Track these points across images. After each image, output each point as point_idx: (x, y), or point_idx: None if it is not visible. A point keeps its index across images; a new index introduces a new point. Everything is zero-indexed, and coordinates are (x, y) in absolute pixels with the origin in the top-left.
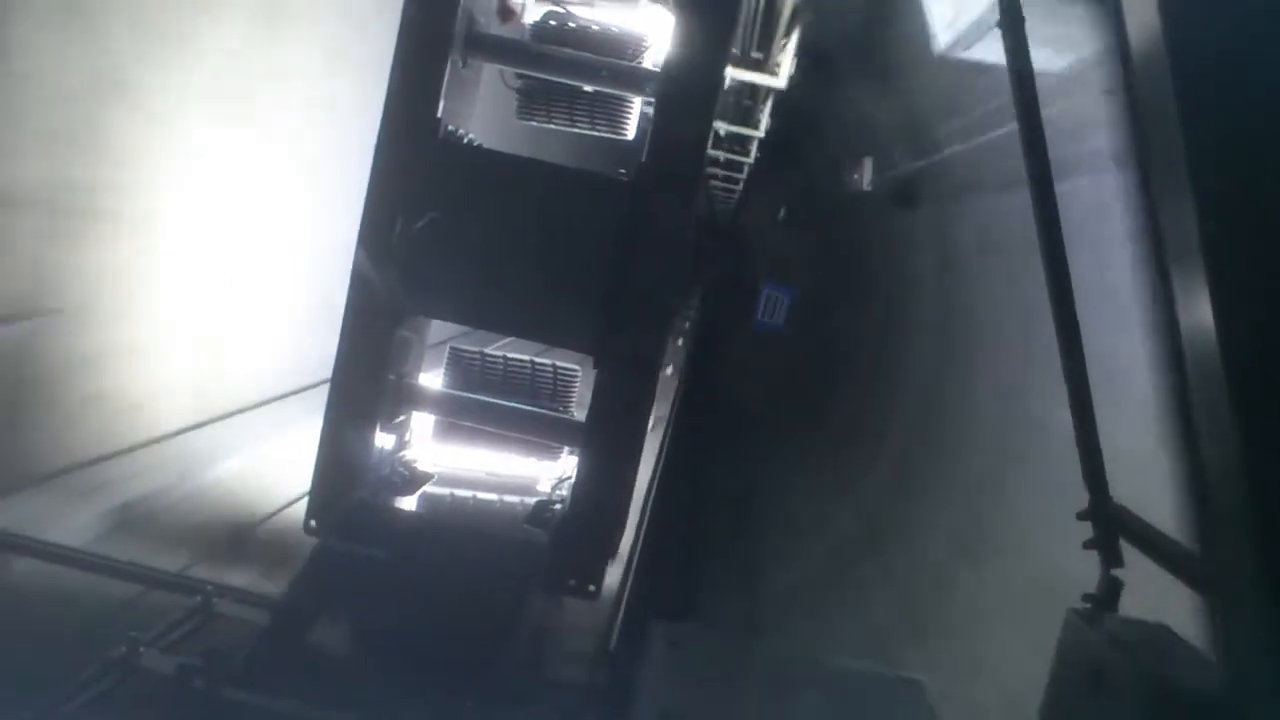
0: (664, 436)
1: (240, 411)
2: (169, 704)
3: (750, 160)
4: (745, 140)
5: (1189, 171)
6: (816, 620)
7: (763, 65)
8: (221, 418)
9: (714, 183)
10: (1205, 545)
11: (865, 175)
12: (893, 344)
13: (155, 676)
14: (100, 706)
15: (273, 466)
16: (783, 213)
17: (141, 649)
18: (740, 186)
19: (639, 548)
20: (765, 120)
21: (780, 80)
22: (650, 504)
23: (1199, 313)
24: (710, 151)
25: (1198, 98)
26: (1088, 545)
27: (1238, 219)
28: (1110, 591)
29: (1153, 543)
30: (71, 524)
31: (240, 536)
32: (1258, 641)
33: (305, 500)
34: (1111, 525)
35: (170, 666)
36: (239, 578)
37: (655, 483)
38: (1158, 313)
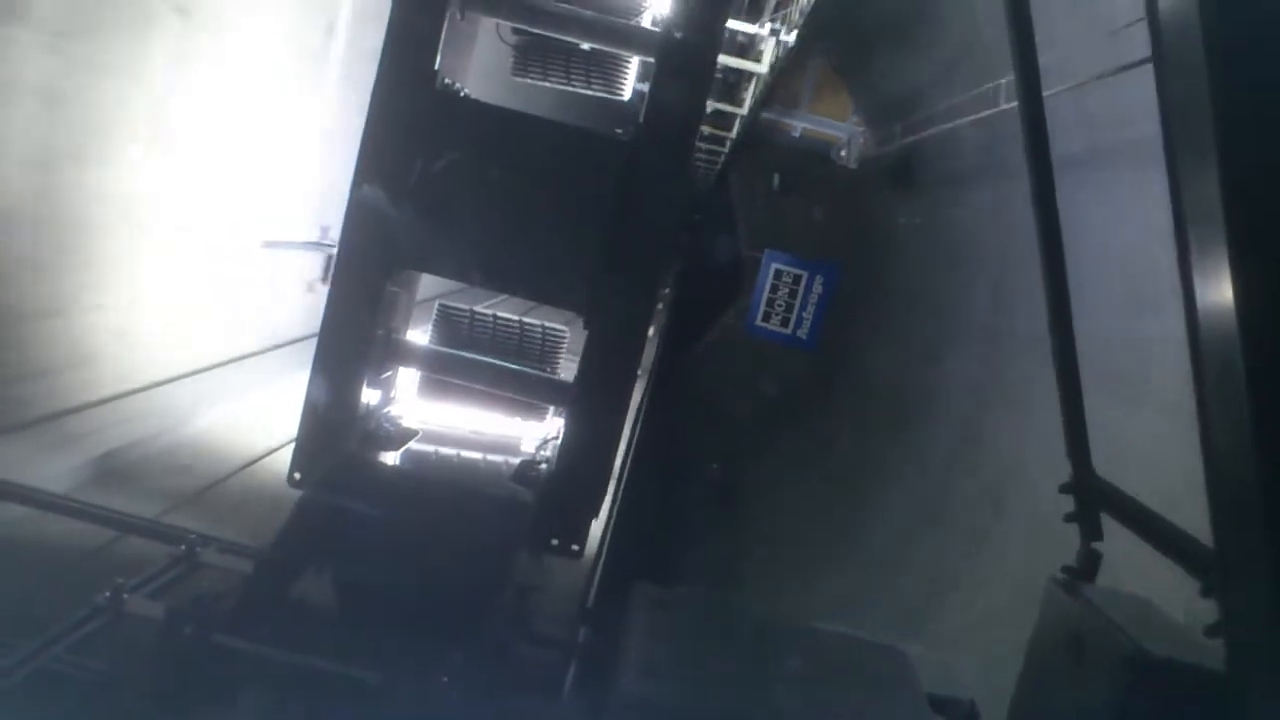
0: (640, 402)
1: (224, 364)
2: (157, 649)
3: (733, 135)
4: (729, 116)
5: (1216, 138)
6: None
7: (748, 50)
8: (206, 369)
9: (697, 150)
10: (1215, 524)
11: (850, 154)
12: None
13: (141, 621)
14: (87, 649)
15: (254, 417)
16: (776, 181)
17: (126, 595)
18: (722, 158)
19: (616, 507)
20: (749, 99)
21: (762, 66)
22: (628, 464)
23: (1218, 291)
24: None
25: (1228, 60)
26: (1069, 518)
27: (1266, 192)
28: (1089, 563)
29: (1137, 517)
30: (52, 471)
31: (221, 485)
32: (1264, 621)
33: (286, 450)
34: (1093, 498)
35: (156, 612)
36: (219, 526)
37: (633, 444)
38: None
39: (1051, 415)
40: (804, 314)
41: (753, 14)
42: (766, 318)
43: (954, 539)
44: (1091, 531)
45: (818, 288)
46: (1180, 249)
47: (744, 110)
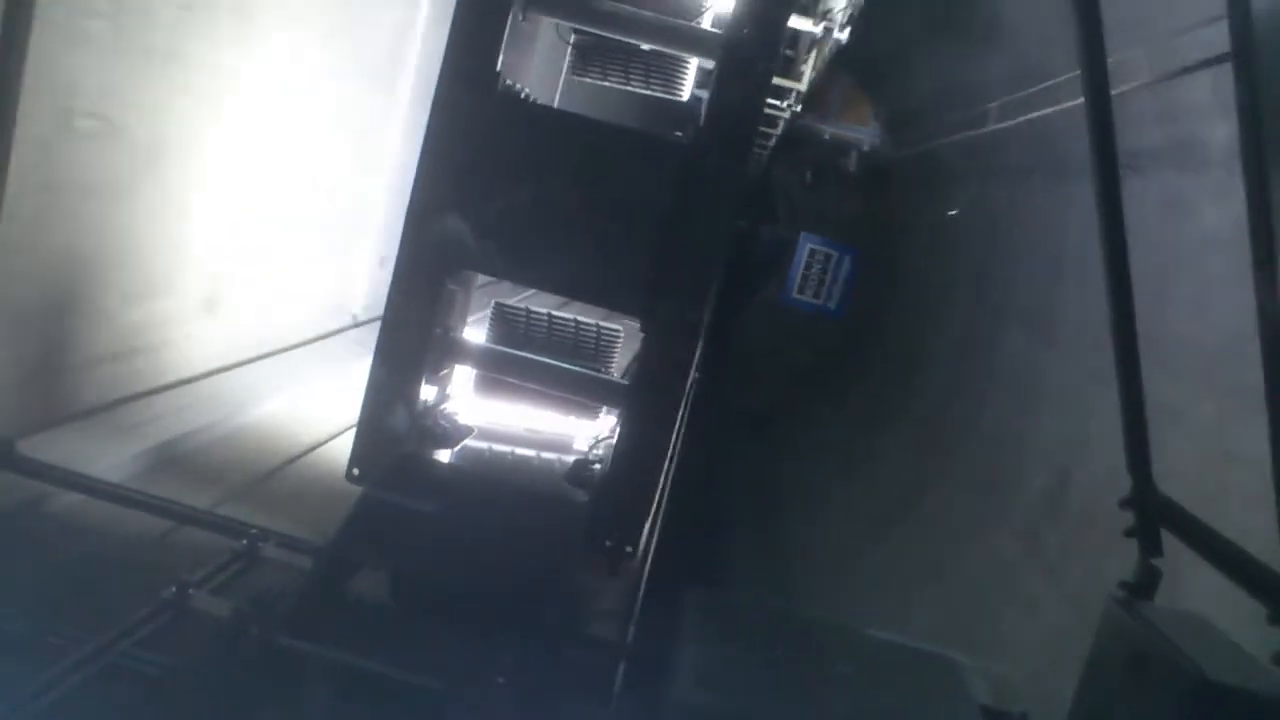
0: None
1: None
2: (222, 646)
3: (787, 114)
4: (782, 92)
5: None
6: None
7: (810, 10)
8: (262, 357)
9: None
10: None
11: (852, 160)
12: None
13: (206, 617)
14: (155, 645)
15: (308, 407)
16: (809, 176)
17: (191, 590)
18: (772, 143)
19: (663, 508)
20: (809, 72)
21: (825, 28)
22: (673, 466)
23: None
24: None
25: None
26: (1128, 533)
27: None
28: (1148, 580)
29: (1200, 537)
30: (112, 460)
31: (276, 475)
32: None
33: (334, 440)
34: (1154, 514)
35: (221, 609)
36: (276, 517)
37: (677, 446)
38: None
39: (1007, 363)
40: (833, 288)
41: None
42: (801, 290)
43: (929, 451)
44: (1151, 547)
45: (845, 265)
46: (1258, 253)
47: (802, 84)
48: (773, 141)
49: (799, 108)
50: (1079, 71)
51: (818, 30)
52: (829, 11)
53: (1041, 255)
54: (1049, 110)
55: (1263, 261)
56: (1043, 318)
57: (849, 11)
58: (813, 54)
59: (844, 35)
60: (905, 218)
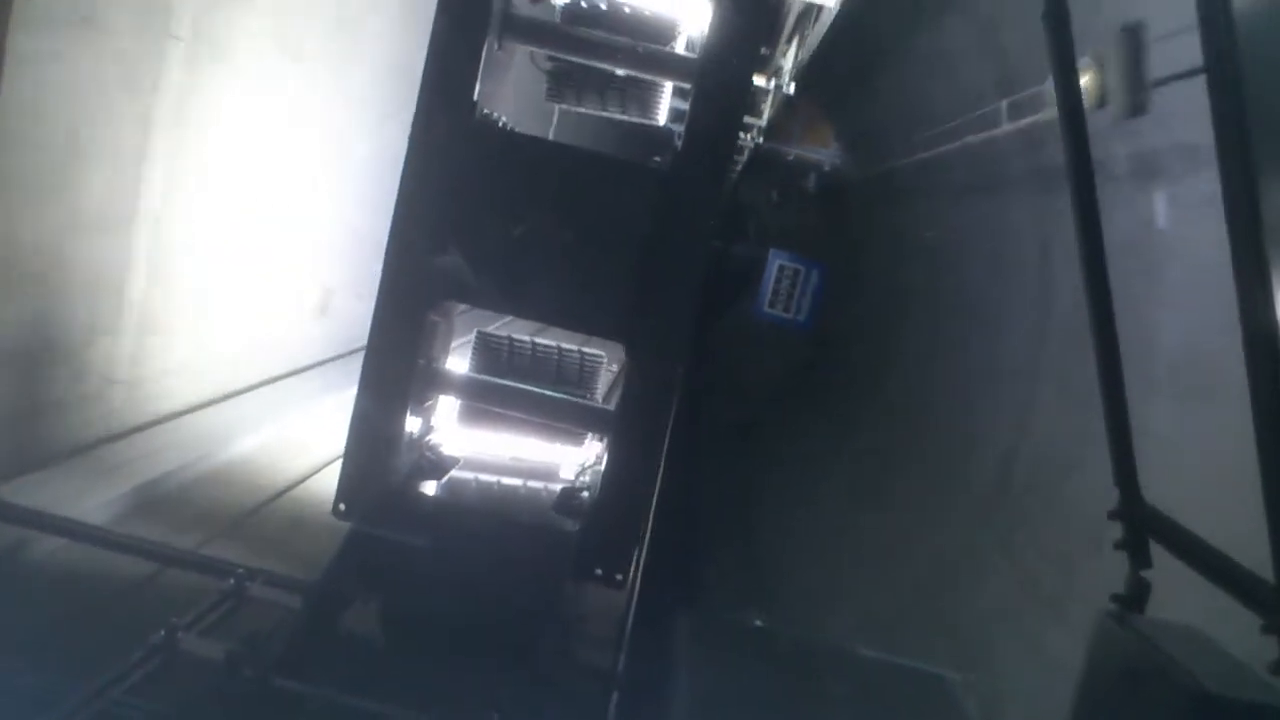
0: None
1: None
2: (216, 688)
3: (750, 144)
4: (746, 126)
5: None
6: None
7: (766, 64)
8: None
9: None
10: (1277, 557)
11: (811, 181)
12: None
13: (197, 660)
14: (146, 690)
15: (288, 442)
16: (775, 196)
17: (180, 633)
18: (739, 167)
19: (648, 533)
20: (768, 110)
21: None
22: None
23: None
24: None
25: None
26: (1117, 546)
27: None
28: (1138, 592)
29: (1188, 547)
30: (94, 501)
31: (258, 512)
32: None
33: (316, 475)
34: (1142, 526)
35: (211, 651)
36: (261, 556)
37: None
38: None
39: (964, 359)
40: (802, 301)
41: None
42: (772, 304)
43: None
44: (1140, 560)
45: (813, 279)
46: (1239, 264)
47: (761, 120)
48: (740, 166)
49: (761, 139)
50: (1051, 89)
51: (770, 86)
52: (779, 70)
53: (983, 259)
54: (987, 134)
55: (1245, 271)
56: (989, 315)
57: (794, 70)
58: (769, 98)
59: (791, 89)
60: (864, 230)
